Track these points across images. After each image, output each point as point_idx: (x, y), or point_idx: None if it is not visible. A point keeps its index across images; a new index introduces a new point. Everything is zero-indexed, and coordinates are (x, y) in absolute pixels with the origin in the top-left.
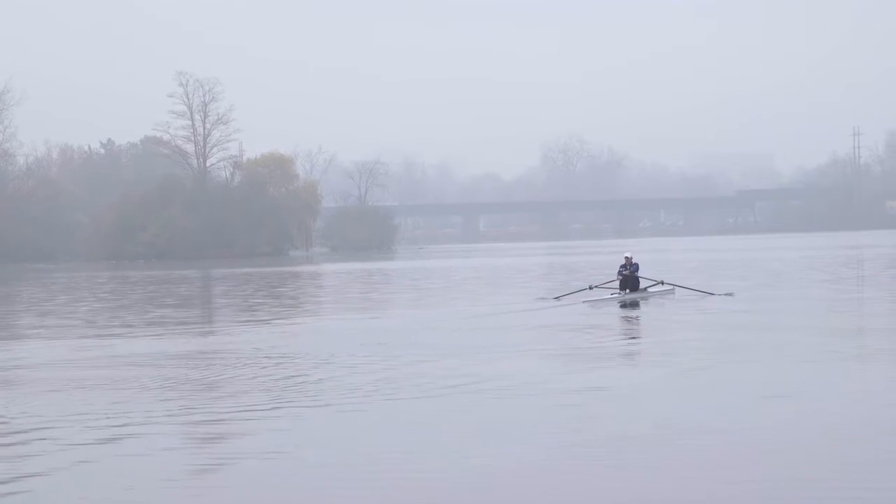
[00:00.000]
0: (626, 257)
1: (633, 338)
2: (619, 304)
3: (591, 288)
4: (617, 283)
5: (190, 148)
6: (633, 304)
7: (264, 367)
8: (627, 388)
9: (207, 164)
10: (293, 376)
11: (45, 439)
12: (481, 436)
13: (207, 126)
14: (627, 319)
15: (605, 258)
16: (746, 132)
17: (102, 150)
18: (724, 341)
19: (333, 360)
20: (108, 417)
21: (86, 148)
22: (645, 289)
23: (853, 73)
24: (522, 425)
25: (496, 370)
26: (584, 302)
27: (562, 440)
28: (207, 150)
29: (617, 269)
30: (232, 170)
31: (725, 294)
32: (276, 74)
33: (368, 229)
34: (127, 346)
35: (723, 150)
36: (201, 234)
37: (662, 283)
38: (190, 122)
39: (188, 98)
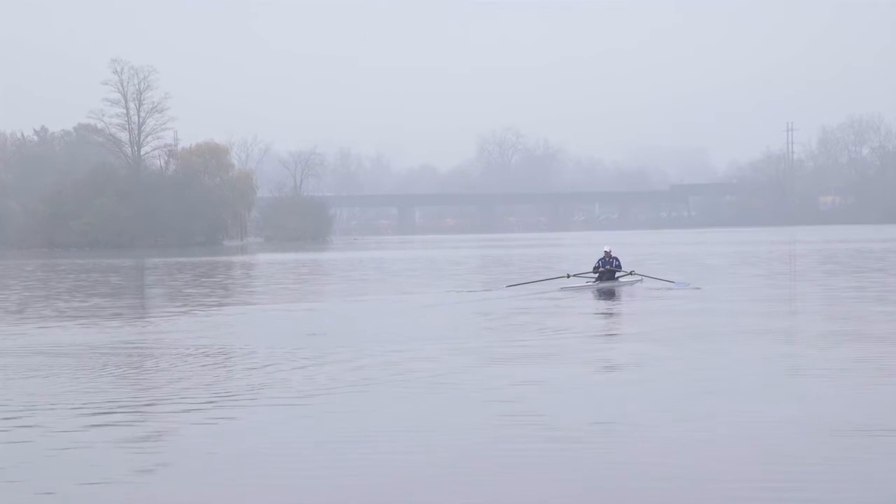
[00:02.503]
0: (606, 251)
1: (585, 328)
2: (593, 293)
3: (568, 276)
4: (595, 275)
5: (124, 136)
6: (608, 294)
7: (195, 357)
8: (565, 382)
9: (142, 152)
10: (224, 367)
11: None
12: (411, 432)
13: (142, 114)
14: (580, 308)
15: (540, 251)
16: (681, 127)
17: (35, 138)
18: (668, 333)
19: (265, 351)
20: (28, 409)
21: (18, 135)
22: (617, 278)
23: (787, 70)
24: (456, 420)
25: (434, 362)
26: (561, 289)
27: (490, 436)
28: (142, 138)
29: (594, 261)
30: (166, 158)
31: (693, 287)
32: (213, 64)
33: (303, 220)
34: (49, 336)
35: (657, 145)
36: (135, 222)
37: (633, 272)
38: (124, 110)
39: (123, 86)
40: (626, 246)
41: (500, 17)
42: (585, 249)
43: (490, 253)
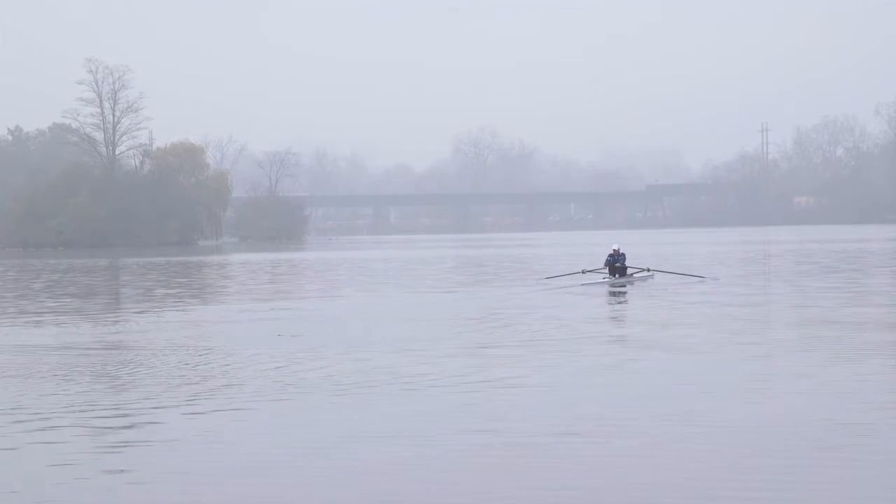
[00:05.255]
0: (615, 249)
1: (561, 328)
2: (608, 288)
3: (583, 272)
4: (606, 270)
5: (99, 136)
6: (620, 289)
7: (168, 358)
8: (534, 383)
9: (116, 152)
10: (198, 368)
11: None
12: (377, 434)
13: (117, 114)
14: (560, 307)
15: (516, 251)
16: (656, 128)
17: (10, 137)
18: (647, 333)
19: (239, 352)
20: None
21: None
22: (631, 275)
23: (762, 72)
24: (427, 422)
25: (409, 364)
26: (582, 285)
27: (461, 441)
28: (117, 138)
29: (604, 259)
30: (141, 158)
31: (705, 277)
32: (187, 62)
33: (279, 220)
34: (20, 337)
35: (632, 145)
36: (110, 222)
37: (648, 269)
38: (99, 110)
39: (97, 85)
40: (603, 247)
41: (476, 16)
42: (564, 249)
43: (465, 253)
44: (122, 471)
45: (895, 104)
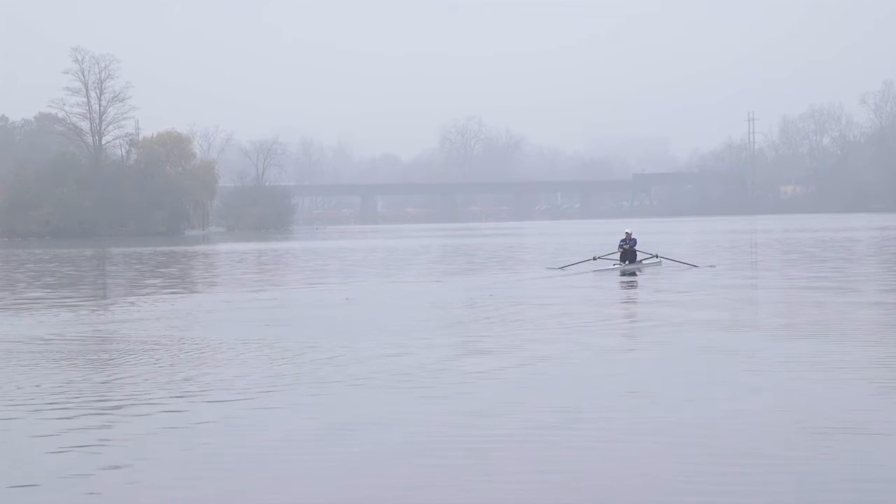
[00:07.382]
0: (627, 232)
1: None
2: (619, 274)
3: (595, 259)
4: (618, 255)
5: (85, 125)
6: (631, 274)
7: (155, 350)
8: (539, 372)
9: (103, 141)
10: (186, 359)
11: None
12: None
13: (103, 103)
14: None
15: (503, 240)
16: (643, 117)
17: None
18: (632, 323)
19: (227, 343)
20: None
21: None
22: (640, 261)
23: (749, 62)
24: (424, 414)
25: (384, 355)
26: (594, 272)
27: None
28: (103, 127)
29: (600, 247)
30: (128, 148)
31: (709, 266)
32: (173, 51)
33: (265, 209)
34: (3, 328)
35: (619, 134)
36: (96, 212)
37: (657, 256)
38: (85, 100)
39: (84, 75)
40: (589, 235)
41: (464, 5)
42: (551, 238)
43: (454, 243)
44: (111, 467)
45: (881, 93)
